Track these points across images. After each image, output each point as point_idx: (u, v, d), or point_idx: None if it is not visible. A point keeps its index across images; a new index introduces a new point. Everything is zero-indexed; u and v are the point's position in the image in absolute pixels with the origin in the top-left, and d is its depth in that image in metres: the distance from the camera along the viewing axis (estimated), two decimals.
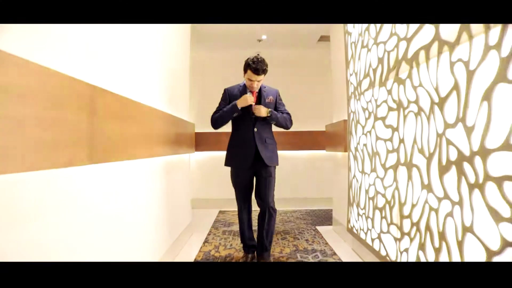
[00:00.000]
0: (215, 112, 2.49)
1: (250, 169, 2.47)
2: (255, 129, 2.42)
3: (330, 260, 2.64)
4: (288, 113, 2.56)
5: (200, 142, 4.29)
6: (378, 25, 2.19)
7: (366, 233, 2.48)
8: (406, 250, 1.84)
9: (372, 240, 2.35)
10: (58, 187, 1.11)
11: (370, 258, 2.41)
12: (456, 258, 1.40)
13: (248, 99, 2.36)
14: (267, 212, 2.46)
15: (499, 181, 1.14)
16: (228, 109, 2.40)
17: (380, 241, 2.21)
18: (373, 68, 2.29)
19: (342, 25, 3.07)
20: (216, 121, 2.45)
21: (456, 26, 1.37)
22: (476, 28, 1.26)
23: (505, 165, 1.13)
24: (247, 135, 2.42)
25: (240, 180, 2.52)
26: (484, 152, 1.21)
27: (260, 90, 2.49)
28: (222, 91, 2.57)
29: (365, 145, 2.49)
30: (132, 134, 1.67)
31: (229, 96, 2.49)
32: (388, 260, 2.08)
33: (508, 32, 1.11)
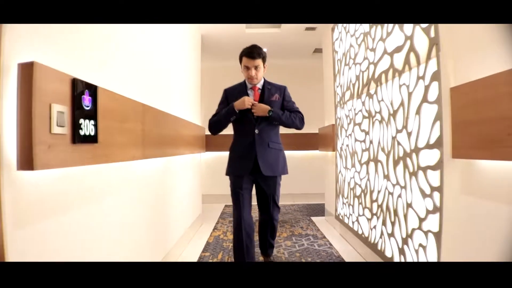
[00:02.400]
0: (213, 116, 2.25)
1: (249, 177, 2.19)
2: (256, 131, 2.13)
3: (320, 242, 3.16)
4: (298, 111, 2.25)
5: (208, 143, 4.82)
6: (356, 48, 2.72)
7: (348, 218, 3.01)
8: (374, 227, 2.36)
9: (353, 223, 2.87)
10: (127, 174, 1.64)
11: (352, 238, 2.93)
12: (403, 228, 1.92)
13: (246, 102, 2.09)
14: (269, 223, 2.32)
15: (424, 169, 1.67)
16: (224, 112, 2.15)
17: (358, 223, 2.73)
18: (352, 83, 2.82)
19: (331, 42, 3.60)
20: (214, 125, 2.21)
21: (402, 58, 1.90)
22: (413, 62, 1.78)
23: (427, 159, 1.65)
24: (248, 139, 2.15)
25: (237, 188, 2.17)
26: (417, 150, 1.74)
27: (264, 87, 2.23)
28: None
29: (347, 145, 3.02)
30: (165, 138, 2.21)
31: (228, 97, 2.24)
32: (363, 237, 2.60)
33: (428, 67, 1.63)
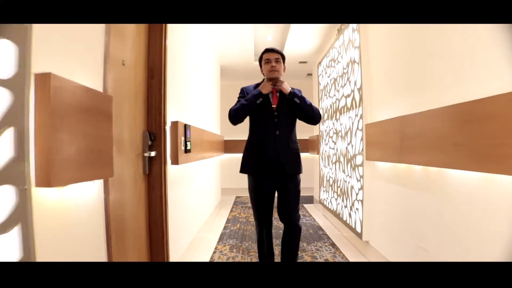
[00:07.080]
0: (233, 106, 2.14)
1: (271, 179, 2.12)
2: (277, 132, 2.10)
3: (307, 218, 4.51)
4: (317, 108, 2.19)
5: (226, 147, 6.21)
6: (330, 84, 4.06)
7: (326, 201, 4.36)
8: (338, 203, 3.71)
9: (328, 203, 4.23)
10: (192, 171, 3.01)
11: (329, 215, 4.28)
12: (350, 201, 3.26)
13: (270, 84, 2.11)
14: (294, 229, 2.12)
15: (358, 166, 3.02)
16: (250, 96, 2.11)
17: (331, 203, 4.09)
18: (328, 109, 4.17)
19: (317, 75, 4.94)
20: (237, 111, 2.08)
21: (350, 101, 3.25)
22: (354, 105, 3.13)
23: (358, 160, 3.00)
24: (268, 138, 2.10)
25: (259, 192, 2.13)
26: (355, 155, 3.09)
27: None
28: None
29: (325, 150, 4.38)
30: (208, 147, 3.58)
31: (247, 93, 2.19)
32: (334, 211, 3.95)
33: (359, 110, 2.97)
